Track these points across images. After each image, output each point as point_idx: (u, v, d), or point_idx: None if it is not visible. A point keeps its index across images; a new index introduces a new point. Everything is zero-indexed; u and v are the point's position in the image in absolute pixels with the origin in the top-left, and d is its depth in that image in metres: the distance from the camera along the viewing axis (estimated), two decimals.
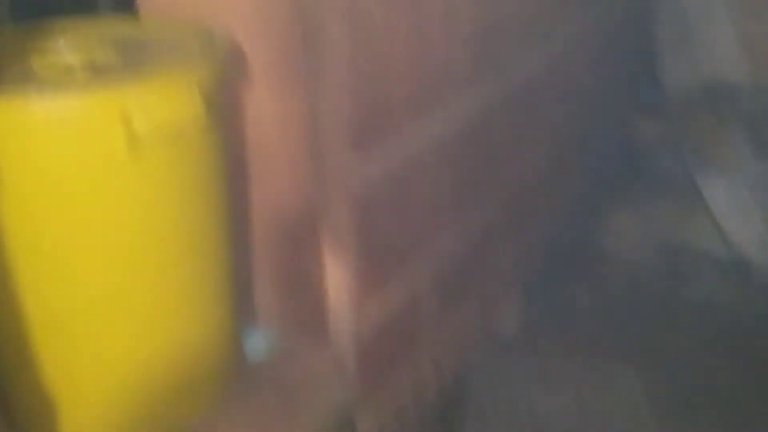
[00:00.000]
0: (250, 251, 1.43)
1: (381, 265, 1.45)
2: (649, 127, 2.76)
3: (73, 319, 1.12)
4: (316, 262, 1.35)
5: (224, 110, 1.19)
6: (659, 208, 2.52)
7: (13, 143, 1.00)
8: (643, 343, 2.03)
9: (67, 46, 1.21)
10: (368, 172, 1.33)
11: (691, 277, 2.30)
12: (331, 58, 1.23)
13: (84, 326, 1.13)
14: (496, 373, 1.90)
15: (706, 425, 1.75)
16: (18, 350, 1.13)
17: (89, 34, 1.26)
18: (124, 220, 1.08)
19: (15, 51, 1.19)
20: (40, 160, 1.02)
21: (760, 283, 2.25)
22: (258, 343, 1.44)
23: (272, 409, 1.31)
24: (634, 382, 1.88)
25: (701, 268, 2.32)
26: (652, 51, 2.76)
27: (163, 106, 1.04)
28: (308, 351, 1.43)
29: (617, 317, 2.15)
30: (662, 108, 2.74)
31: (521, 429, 1.76)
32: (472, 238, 1.79)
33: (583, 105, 2.46)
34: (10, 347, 1.16)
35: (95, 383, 1.16)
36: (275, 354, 1.44)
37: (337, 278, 1.35)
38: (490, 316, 1.97)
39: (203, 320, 1.25)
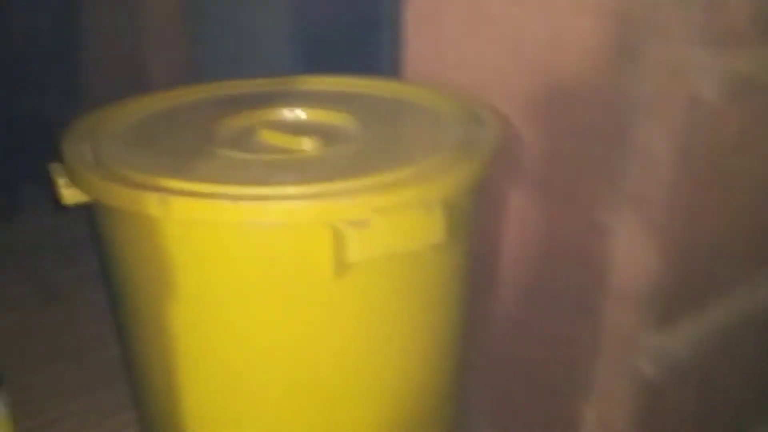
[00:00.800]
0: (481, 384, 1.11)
1: None
2: None
3: None
4: None
5: (474, 218, 0.90)
6: None
7: (198, 242, 0.79)
8: None
9: (314, 106, 1.01)
10: (666, 350, 0.91)
11: None
12: (638, 176, 0.83)
13: None
14: None
15: None
16: None
17: (344, 96, 1.06)
18: (317, 345, 0.84)
19: (264, 105, 1.01)
20: (224, 264, 0.80)
21: None
22: None
23: None
24: None
25: None
26: None
27: (390, 232, 0.75)
28: None
29: None
30: None
31: None
32: None
33: None
34: None
35: None
36: None
37: None
38: None
39: None
